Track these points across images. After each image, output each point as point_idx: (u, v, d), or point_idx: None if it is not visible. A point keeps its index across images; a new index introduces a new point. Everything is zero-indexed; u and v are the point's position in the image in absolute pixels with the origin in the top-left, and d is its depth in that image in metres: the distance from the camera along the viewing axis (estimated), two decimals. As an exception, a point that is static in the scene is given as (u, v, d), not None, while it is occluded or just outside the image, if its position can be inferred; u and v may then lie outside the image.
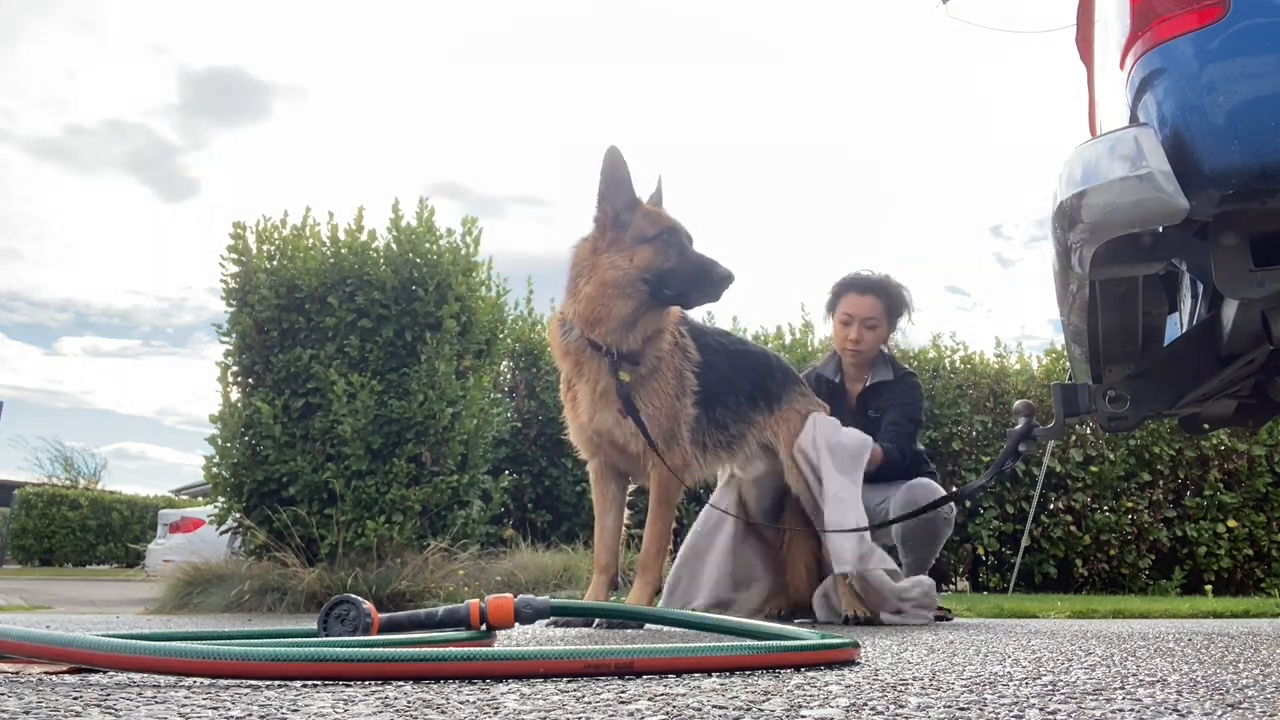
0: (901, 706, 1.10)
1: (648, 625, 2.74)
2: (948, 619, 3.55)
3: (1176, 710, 1.09)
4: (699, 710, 1.04)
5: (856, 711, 1.06)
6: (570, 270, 2.95)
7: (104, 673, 1.33)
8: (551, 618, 2.62)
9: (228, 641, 1.64)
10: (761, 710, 1.05)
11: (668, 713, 1.03)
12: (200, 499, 20.54)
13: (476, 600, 1.75)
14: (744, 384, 3.11)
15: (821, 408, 3.28)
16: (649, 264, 2.79)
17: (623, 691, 1.20)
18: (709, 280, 2.81)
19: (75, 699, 1.08)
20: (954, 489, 8.21)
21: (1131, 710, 1.08)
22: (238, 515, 5.27)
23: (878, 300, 3.50)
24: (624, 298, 2.80)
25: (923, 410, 3.61)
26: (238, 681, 1.26)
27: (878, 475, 3.43)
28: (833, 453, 3.03)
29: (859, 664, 1.63)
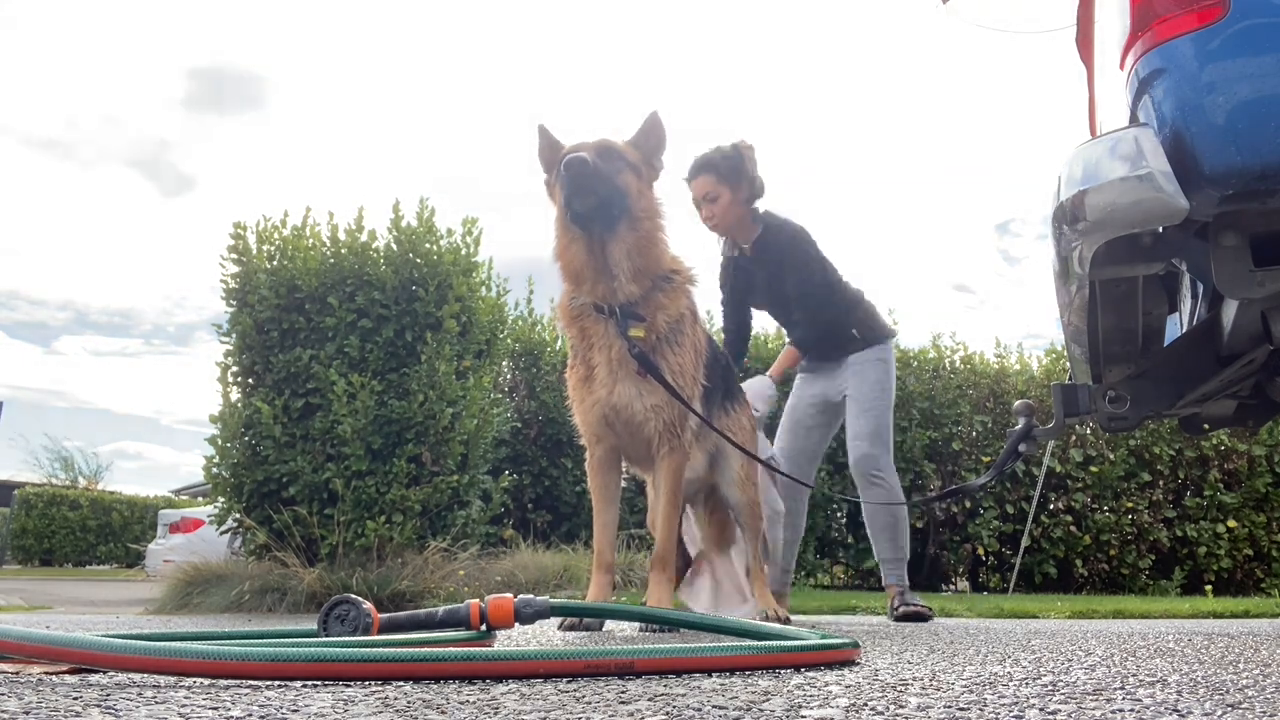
0: (901, 707, 1.10)
1: (643, 625, 2.73)
2: (926, 618, 3.59)
3: (1176, 710, 1.09)
4: (699, 710, 1.04)
5: (856, 711, 1.06)
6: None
7: (104, 673, 1.33)
8: (568, 619, 2.60)
9: (228, 641, 1.64)
10: (761, 710, 1.05)
11: (668, 713, 1.03)
12: (200, 499, 20.54)
13: (476, 600, 1.76)
14: (719, 380, 3.05)
15: (752, 420, 3.27)
16: (560, 197, 2.58)
17: (623, 691, 1.20)
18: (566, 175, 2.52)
19: (75, 699, 1.08)
20: (953, 488, 8.22)
21: (1131, 710, 1.08)
22: (238, 515, 5.26)
23: (709, 176, 3.63)
24: (565, 236, 2.62)
25: (813, 247, 3.72)
26: (238, 681, 1.26)
27: (819, 352, 3.85)
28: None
29: (859, 664, 1.63)
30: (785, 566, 3.74)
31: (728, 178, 3.64)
